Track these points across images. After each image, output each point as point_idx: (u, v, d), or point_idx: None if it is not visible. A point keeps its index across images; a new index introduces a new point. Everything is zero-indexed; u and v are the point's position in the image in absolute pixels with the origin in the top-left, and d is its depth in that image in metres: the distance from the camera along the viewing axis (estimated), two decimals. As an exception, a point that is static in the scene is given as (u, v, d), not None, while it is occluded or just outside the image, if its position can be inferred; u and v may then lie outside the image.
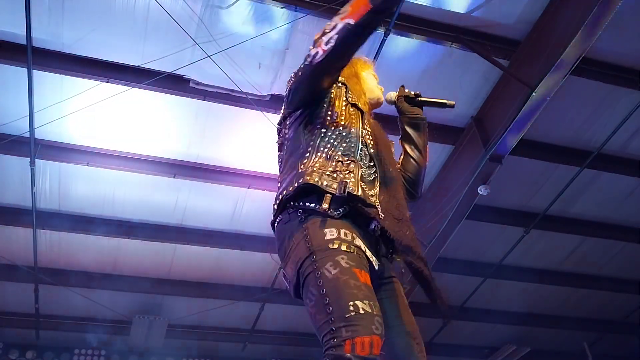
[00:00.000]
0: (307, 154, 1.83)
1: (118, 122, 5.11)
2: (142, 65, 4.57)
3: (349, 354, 1.48)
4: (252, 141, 5.26)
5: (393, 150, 2.10)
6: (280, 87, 4.88)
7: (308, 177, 1.74)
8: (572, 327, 7.92)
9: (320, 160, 1.80)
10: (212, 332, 7.28)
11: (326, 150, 1.83)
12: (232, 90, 4.79)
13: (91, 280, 6.38)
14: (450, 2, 4.49)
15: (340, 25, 1.73)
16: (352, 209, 1.75)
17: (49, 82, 4.69)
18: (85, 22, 4.38)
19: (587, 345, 7.93)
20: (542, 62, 4.41)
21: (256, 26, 4.44)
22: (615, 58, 4.80)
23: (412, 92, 2.15)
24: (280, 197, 1.81)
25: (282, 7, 4.30)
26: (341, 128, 1.88)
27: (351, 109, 1.95)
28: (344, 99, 1.96)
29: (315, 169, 1.77)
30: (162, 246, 6.28)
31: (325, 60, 1.77)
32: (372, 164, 1.87)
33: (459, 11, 4.51)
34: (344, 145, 1.84)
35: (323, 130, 1.87)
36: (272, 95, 4.92)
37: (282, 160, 1.98)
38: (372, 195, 1.79)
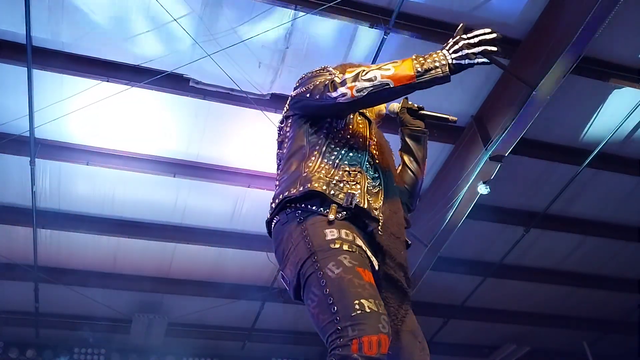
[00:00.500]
0: (313, 157, 1.82)
1: (118, 122, 5.10)
2: (142, 65, 4.56)
3: (356, 354, 1.46)
4: (252, 140, 5.25)
5: (393, 159, 2.09)
6: (281, 86, 4.88)
7: (316, 184, 1.73)
8: (572, 327, 7.92)
9: (327, 167, 1.79)
10: (212, 330, 7.29)
11: (332, 157, 1.82)
12: (232, 90, 4.79)
13: (91, 279, 6.38)
14: (451, 0, 4.49)
15: (378, 82, 1.74)
16: (353, 214, 1.76)
17: (48, 81, 4.69)
18: (85, 21, 4.38)
19: (586, 345, 7.93)
20: (543, 61, 4.40)
21: (256, 25, 4.43)
22: (615, 57, 4.80)
23: (415, 105, 2.13)
24: (281, 196, 1.79)
25: (282, 6, 4.29)
26: (349, 136, 1.88)
27: (359, 117, 1.95)
28: None
29: (321, 175, 1.76)
30: (162, 245, 6.29)
31: (350, 104, 1.79)
32: (376, 175, 1.87)
33: (460, 10, 4.50)
34: (351, 154, 1.84)
35: (330, 135, 1.87)
36: (272, 94, 4.92)
37: (281, 159, 1.97)
38: (376, 209, 1.79)
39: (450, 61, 1.71)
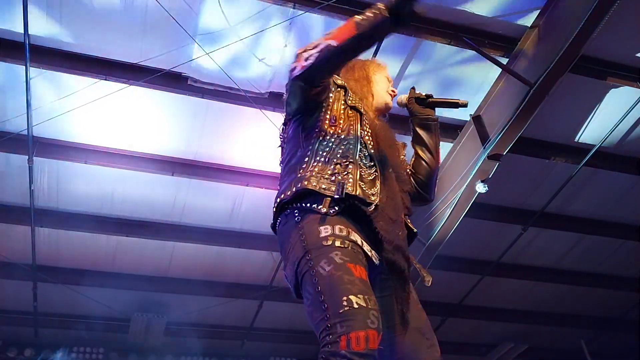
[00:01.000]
0: (307, 159, 1.84)
1: (116, 120, 5.10)
2: (140, 63, 4.56)
3: (344, 351, 1.47)
4: (251, 139, 5.25)
5: (402, 152, 2.09)
6: (279, 85, 4.87)
7: (306, 182, 1.76)
8: (570, 325, 7.94)
9: (319, 164, 1.81)
10: (211, 329, 7.29)
11: (324, 154, 1.84)
12: (231, 88, 4.79)
13: (90, 278, 6.38)
14: (449, -1, 4.50)
15: (322, 45, 1.78)
16: (349, 206, 1.75)
17: (46, 79, 4.68)
18: (83, 19, 4.37)
19: (584, 343, 7.97)
20: (541, 60, 4.41)
21: (254, 23, 4.43)
22: (613, 56, 4.81)
23: (423, 94, 2.12)
24: (278, 200, 1.82)
25: (280, 4, 4.28)
26: (340, 131, 1.89)
27: (350, 112, 1.96)
28: (343, 101, 1.97)
29: (314, 173, 1.78)
30: (161, 244, 6.28)
31: (303, 75, 1.81)
32: (372, 164, 1.87)
33: (456, 7, 4.50)
34: (343, 147, 1.85)
35: (322, 134, 1.88)
36: (270, 92, 4.92)
37: (282, 164, 1.99)
38: (372, 194, 1.79)
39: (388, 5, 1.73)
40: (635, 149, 5.65)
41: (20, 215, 5.70)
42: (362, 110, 1.98)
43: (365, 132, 1.93)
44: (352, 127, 1.92)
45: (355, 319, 1.51)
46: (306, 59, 1.79)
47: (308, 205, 1.74)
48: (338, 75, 2.07)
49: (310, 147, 1.86)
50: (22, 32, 4.22)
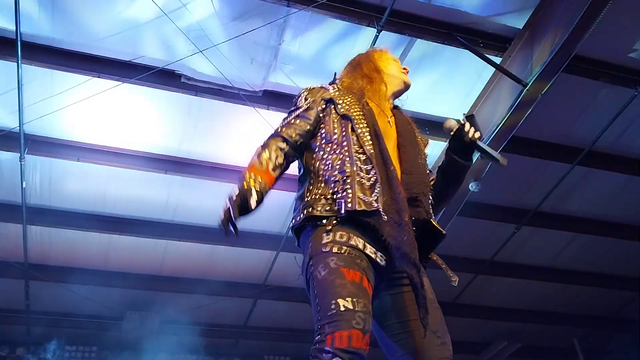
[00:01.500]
0: (312, 180, 1.92)
1: (109, 118, 5.07)
2: (133, 61, 4.54)
3: (328, 347, 1.58)
4: (244, 137, 5.24)
5: (421, 148, 2.08)
6: (273, 83, 4.87)
7: (311, 209, 1.84)
8: (563, 323, 7.98)
9: (321, 185, 1.88)
10: (205, 328, 7.27)
11: (323, 172, 1.90)
12: (224, 86, 4.77)
13: (82, 276, 6.35)
14: (443, -2, 4.49)
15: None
16: (353, 215, 1.80)
17: (38, 76, 4.65)
18: (75, 16, 4.35)
19: (576, 341, 8.01)
20: (535, 60, 4.42)
21: (248, 21, 4.41)
22: (607, 56, 4.82)
23: (474, 133, 1.97)
24: (293, 222, 1.93)
25: (275, 2, 4.27)
26: (335, 145, 1.93)
27: (343, 121, 1.96)
28: (335, 113, 1.99)
29: (317, 197, 1.86)
30: (154, 242, 6.26)
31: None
32: (370, 166, 1.85)
33: (452, 7, 4.51)
34: (339, 162, 1.88)
35: (321, 153, 1.94)
36: (264, 91, 4.90)
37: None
38: (374, 200, 1.79)
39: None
40: (629, 148, 5.67)
41: (11, 213, 5.66)
42: (352, 115, 1.96)
43: (362, 131, 1.92)
44: (343, 137, 1.92)
45: (342, 320, 1.61)
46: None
47: (318, 222, 1.84)
48: (344, 77, 2.17)
49: (312, 169, 1.94)
50: (14, 29, 4.19)
